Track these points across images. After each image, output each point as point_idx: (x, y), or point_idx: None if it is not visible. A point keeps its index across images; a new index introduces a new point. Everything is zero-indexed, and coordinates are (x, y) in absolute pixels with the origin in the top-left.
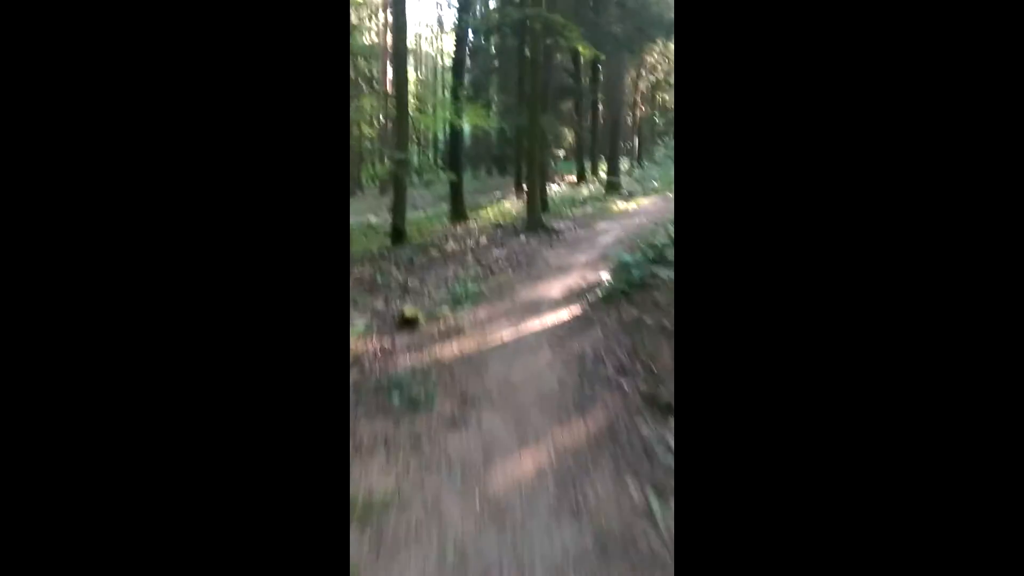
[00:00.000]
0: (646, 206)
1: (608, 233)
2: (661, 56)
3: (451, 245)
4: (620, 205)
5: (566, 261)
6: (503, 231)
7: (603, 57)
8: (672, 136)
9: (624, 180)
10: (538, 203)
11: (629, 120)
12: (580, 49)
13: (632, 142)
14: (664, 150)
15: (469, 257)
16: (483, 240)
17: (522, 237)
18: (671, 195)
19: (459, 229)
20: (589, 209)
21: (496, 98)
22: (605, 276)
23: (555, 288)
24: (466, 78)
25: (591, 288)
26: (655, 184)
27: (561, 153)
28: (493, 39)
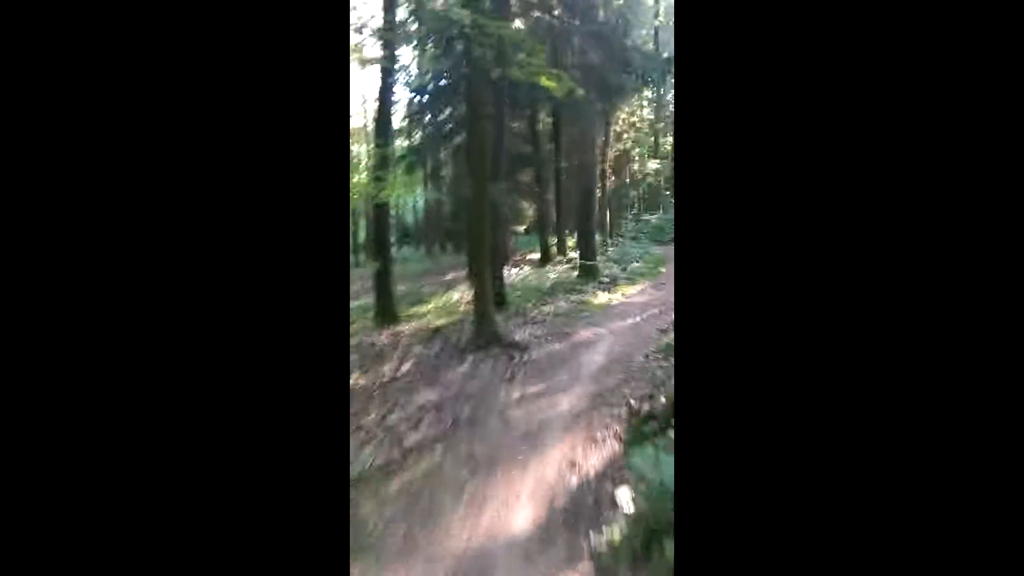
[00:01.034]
0: (635, 297)
1: (595, 348)
2: (628, 124)
3: (356, 378)
4: (602, 297)
5: (537, 416)
6: (443, 345)
7: (578, 92)
8: (643, 210)
9: (599, 261)
10: (490, 304)
11: (599, 191)
12: (549, 85)
13: (603, 216)
14: (635, 224)
15: (373, 414)
16: (408, 366)
17: (469, 358)
18: (664, 281)
19: (382, 338)
20: (562, 304)
21: (449, 165)
22: (623, 497)
23: (519, 504)
24: (401, 142)
25: (594, 507)
26: (638, 265)
27: (522, 228)
28: (439, 92)
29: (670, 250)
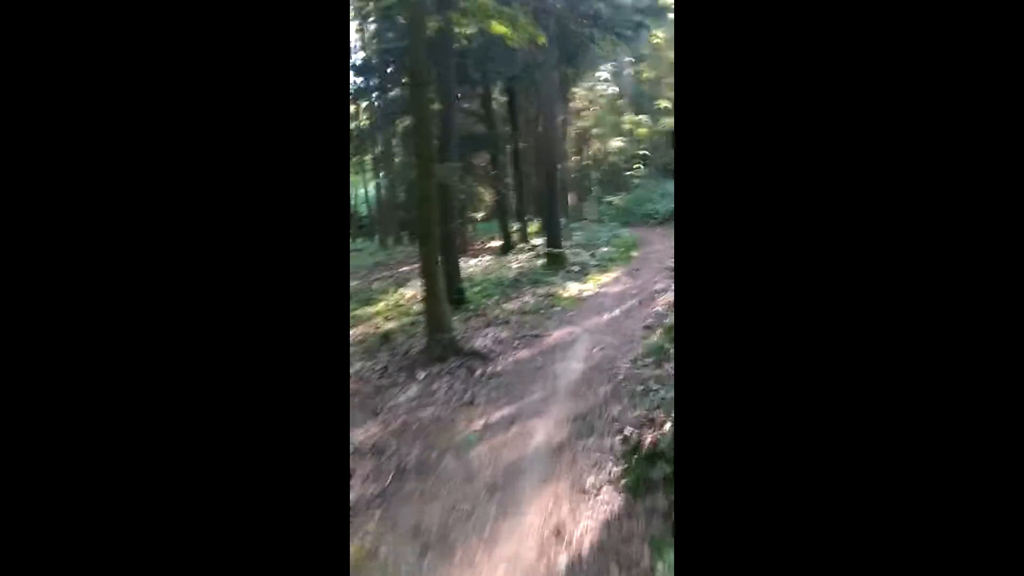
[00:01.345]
0: (610, 286)
1: (572, 353)
2: (587, 100)
3: None
4: (572, 288)
5: (505, 455)
6: (390, 358)
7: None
8: (605, 189)
9: (566, 247)
10: (444, 305)
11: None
12: (502, 31)
13: (565, 199)
14: (599, 207)
15: None
16: (352, 385)
17: (419, 375)
18: (638, 267)
19: None
20: (529, 299)
21: (400, 148)
22: None
23: None
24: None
25: None
26: (608, 250)
27: (480, 215)
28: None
29: (639, 232)
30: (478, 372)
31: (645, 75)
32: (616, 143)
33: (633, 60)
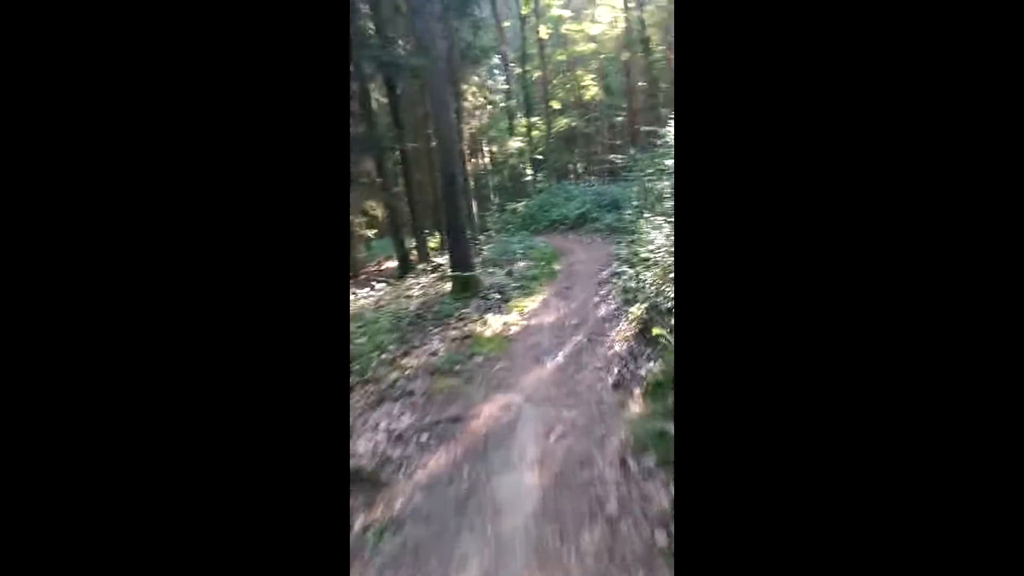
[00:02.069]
0: (541, 315)
1: (515, 450)
2: (480, 98)
3: None
4: (493, 322)
5: None
6: None
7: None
8: (506, 196)
9: (476, 266)
10: None
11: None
12: None
13: (470, 208)
14: (501, 215)
15: None
16: None
17: None
18: (568, 284)
19: None
20: (437, 347)
21: None
22: None
23: None
24: None
25: None
26: (526, 266)
27: (372, 233)
28: None
29: (553, 240)
30: (358, 525)
31: (533, 75)
32: (515, 143)
33: (518, 58)
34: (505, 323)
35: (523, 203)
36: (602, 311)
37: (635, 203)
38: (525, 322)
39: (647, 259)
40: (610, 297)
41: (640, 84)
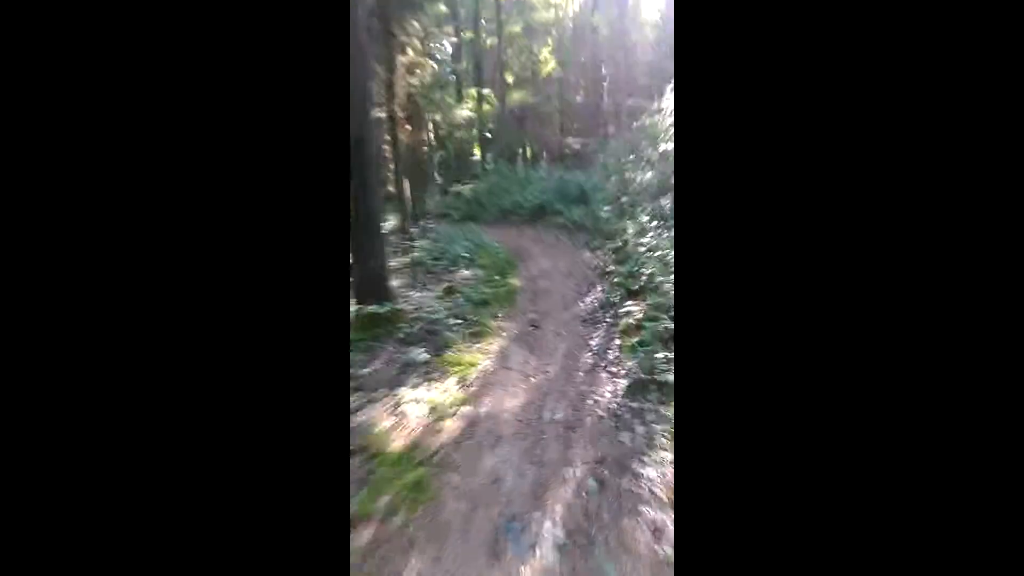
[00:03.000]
0: (500, 389)
1: None
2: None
3: None
4: (415, 415)
5: None
6: None
7: None
8: (450, 175)
9: (398, 276)
10: None
11: (388, 150)
12: None
13: (399, 189)
14: (446, 199)
15: None
16: None
17: None
18: (538, 316)
19: None
20: None
21: None
22: None
23: None
24: None
25: None
26: (472, 277)
27: None
28: None
29: (505, 235)
30: None
31: (487, 41)
32: (463, 112)
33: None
34: (434, 410)
35: (470, 186)
36: (604, 391)
37: (608, 198)
38: (471, 409)
39: (656, 286)
40: (612, 354)
41: (605, 59)
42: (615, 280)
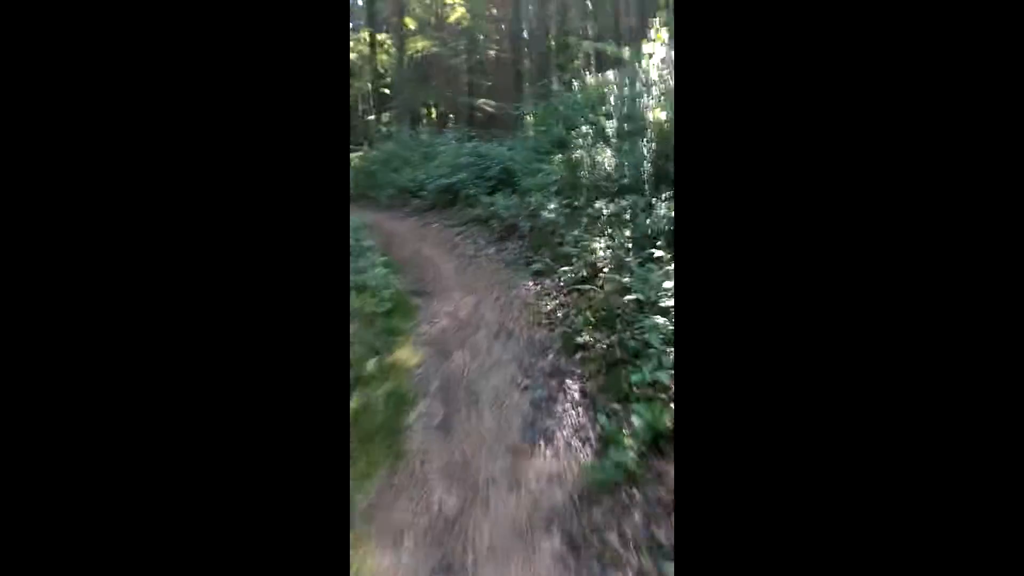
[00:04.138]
0: None
1: None
2: None
3: None
4: None
5: None
6: None
7: None
8: None
9: None
10: None
11: None
12: None
13: None
14: None
15: None
16: None
17: None
18: (464, 461)
19: None
20: None
21: None
22: None
23: None
24: None
25: None
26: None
27: None
28: None
29: (398, 226)
30: None
31: None
32: (352, 58)
33: None
34: None
35: (358, 153)
36: None
37: (549, 186)
38: None
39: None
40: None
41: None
42: (590, 357)
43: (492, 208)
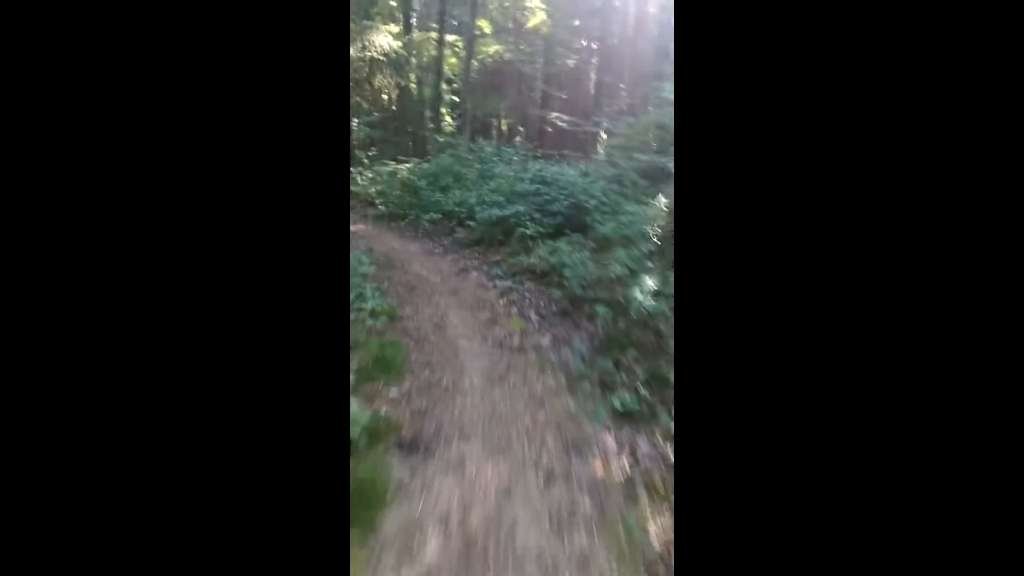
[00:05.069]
0: None
1: None
2: None
3: None
4: None
5: None
6: None
7: None
8: (385, 148)
9: None
10: None
11: None
12: None
13: None
14: (378, 179)
15: None
16: None
17: None
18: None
19: None
20: None
21: None
22: None
23: None
24: None
25: None
26: None
27: None
28: None
29: (430, 275)
30: None
31: None
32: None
33: None
34: None
35: (407, 165)
36: None
37: (643, 236)
38: None
39: None
40: None
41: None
42: None
43: (554, 261)
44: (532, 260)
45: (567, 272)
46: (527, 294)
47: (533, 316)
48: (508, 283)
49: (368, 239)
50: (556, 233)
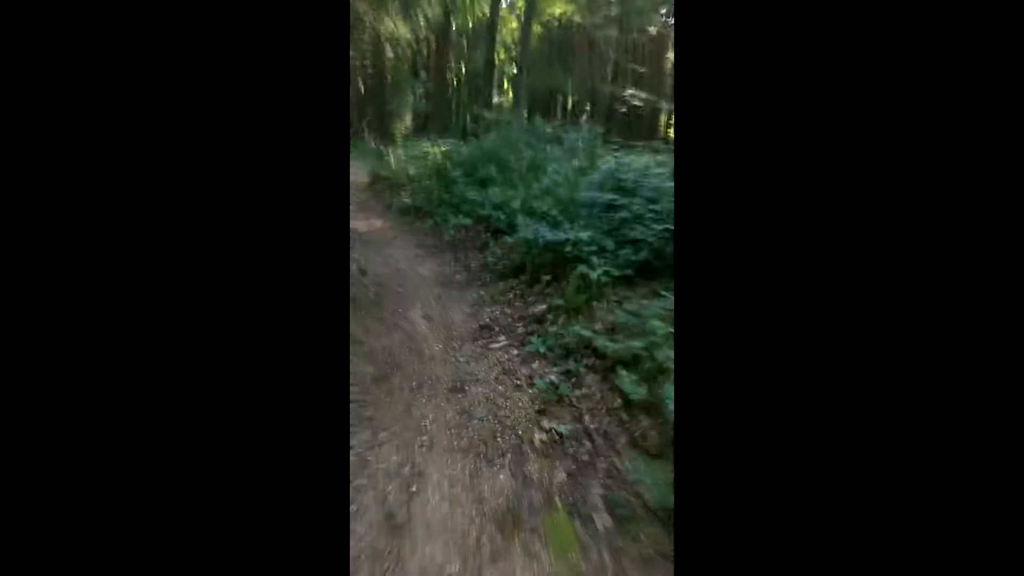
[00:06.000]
0: None
1: None
2: None
3: None
4: None
5: None
6: None
7: None
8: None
9: None
10: None
11: None
12: None
13: None
14: (413, 161)
15: None
16: None
17: None
18: None
19: None
20: None
21: None
22: None
23: None
24: None
25: None
26: None
27: None
28: None
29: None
30: None
31: None
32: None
33: None
34: None
35: (443, 146)
36: None
37: None
38: None
39: None
40: None
41: None
42: None
43: (637, 336)
44: (598, 328)
45: (660, 356)
46: (590, 418)
47: (599, 518)
48: (554, 376)
49: (376, 245)
50: (639, 277)
